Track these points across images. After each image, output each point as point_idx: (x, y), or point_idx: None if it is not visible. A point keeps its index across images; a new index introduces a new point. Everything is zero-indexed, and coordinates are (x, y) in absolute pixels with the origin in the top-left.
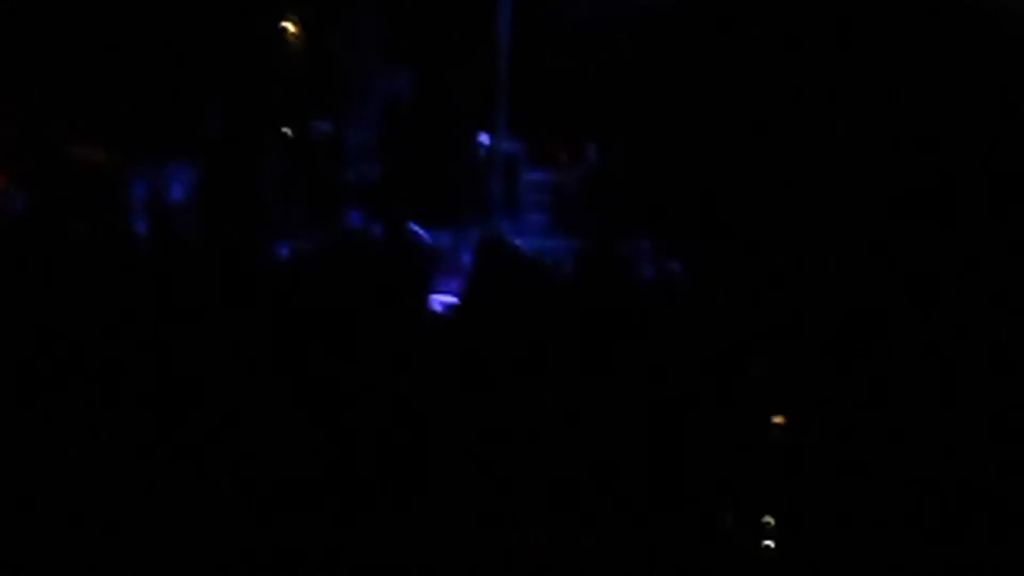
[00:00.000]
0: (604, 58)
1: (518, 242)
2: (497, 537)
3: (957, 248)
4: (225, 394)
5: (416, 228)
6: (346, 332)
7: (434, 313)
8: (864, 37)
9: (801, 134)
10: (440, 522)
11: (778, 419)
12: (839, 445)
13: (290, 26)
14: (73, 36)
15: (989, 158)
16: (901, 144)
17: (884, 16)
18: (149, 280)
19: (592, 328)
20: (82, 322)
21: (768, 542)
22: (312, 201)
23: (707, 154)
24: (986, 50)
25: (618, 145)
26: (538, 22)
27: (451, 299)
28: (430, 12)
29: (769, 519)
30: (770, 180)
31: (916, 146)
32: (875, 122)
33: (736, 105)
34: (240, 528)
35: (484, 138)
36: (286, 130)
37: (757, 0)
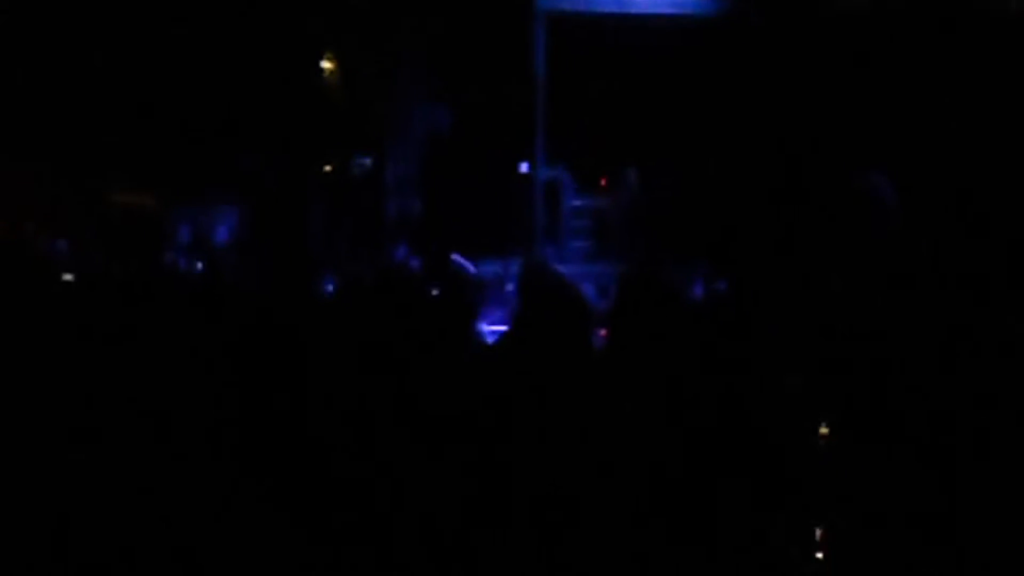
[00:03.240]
0: (643, 83)
1: (562, 268)
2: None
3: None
4: (277, 430)
5: (459, 259)
6: (396, 364)
7: (482, 342)
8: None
9: (841, 156)
10: (507, 555)
11: (823, 431)
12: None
13: (329, 64)
14: (117, 82)
15: None
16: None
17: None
18: (198, 320)
19: (640, 350)
20: (132, 365)
21: (818, 554)
22: (356, 236)
23: (746, 176)
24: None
25: (659, 170)
26: (577, 49)
27: (499, 327)
28: (467, 45)
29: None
30: (813, 200)
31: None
32: (920, 145)
33: (776, 128)
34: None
35: (525, 167)
36: (328, 167)
37: (801, 28)
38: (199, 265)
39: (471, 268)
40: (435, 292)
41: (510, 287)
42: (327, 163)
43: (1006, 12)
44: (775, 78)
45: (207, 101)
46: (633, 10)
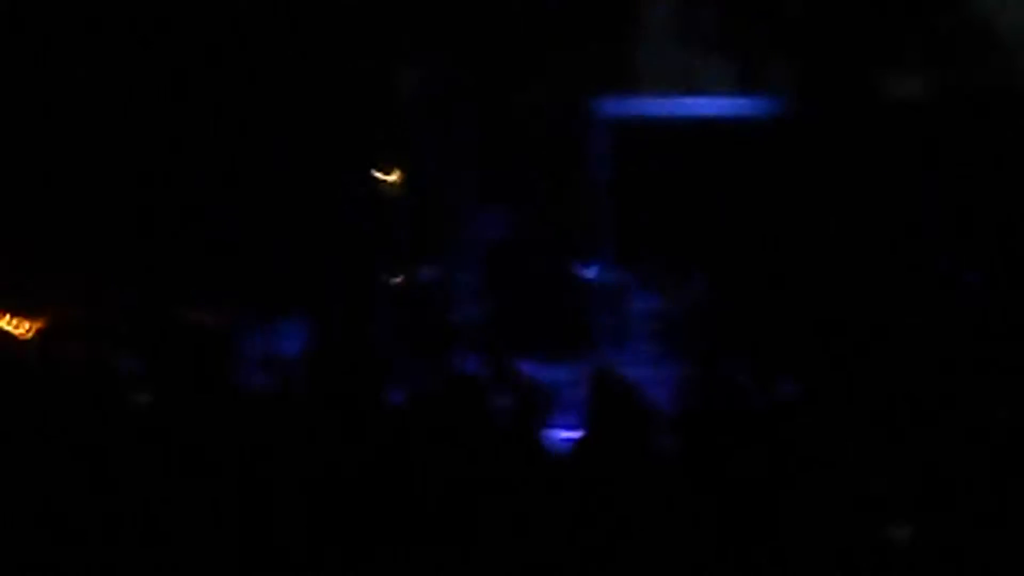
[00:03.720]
0: (707, 184)
1: (629, 372)
2: None
3: None
4: (347, 542)
5: (522, 366)
6: (466, 474)
7: (554, 450)
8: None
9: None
10: None
11: (901, 533)
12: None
13: (390, 176)
14: (181, 200)
15: None
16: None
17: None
18: (266, 435)
19: (706, 454)
20: (203, 479)
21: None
22: (423, 346)
23: (811, 277)
24: None
25: (724, 270)
26: (640, 153)
27: (572, 434)
28: (525, 149)
29: None
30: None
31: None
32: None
33: (841, 220)
34: None
35: (591, 270)
36: (395, 278)
37: (860, 119)
38: (270, 378)
39: (531, 374)
40: (503, 400)
41: (580, 392)
42: (395, 273)
43: None
44: (836, 173)
45: (270, 213)
46: (691, 112)
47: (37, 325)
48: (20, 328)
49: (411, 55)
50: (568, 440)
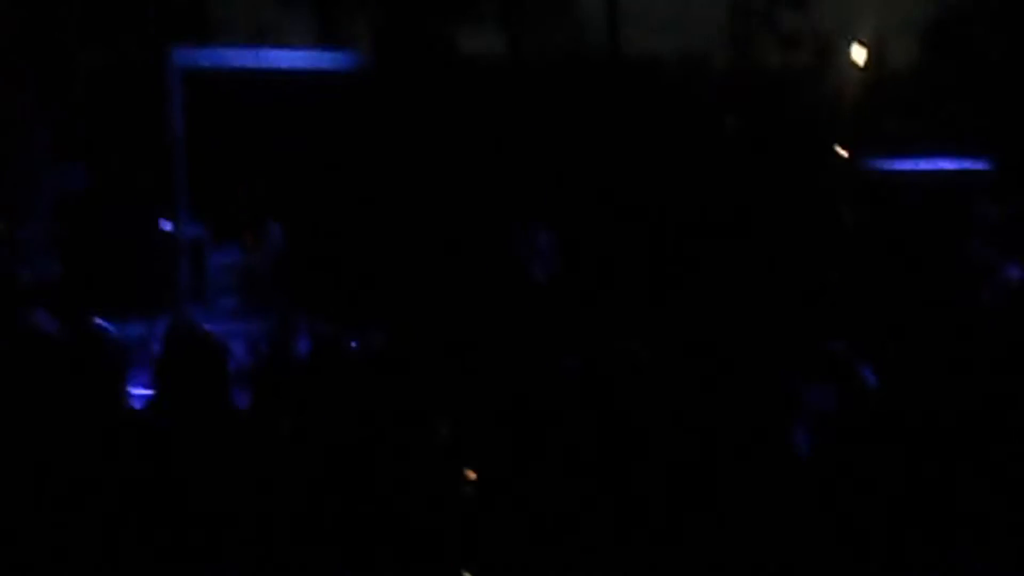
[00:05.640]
0: (281, 137)
1: (210, 327)
2: None
3: None
4: None
5: (101, 322)
6: (39, 431)
7: (131, 406)
8: None
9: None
10: None
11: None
12: None
13: None
14: None
15: None
16: None
17: None
18: None
19: (285, 407)
20: None
21: None
22: None
23: (386, 225)
24: None
25: (302, 223)
26: (215, 105)
27: (146, 391)
28: (103, 102)
29: None
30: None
31: None
32: None
33: (410, 176)
34: None
35: (167, 225)
36: None
37: (429, 76)
38: None
39: (112, 330)
40: (74, 355)
41: (156, 348)
42: None
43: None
44: (407, 126)
45: None
46: (268, 65)
47: None
48: None
49: None
50: (144, 396)
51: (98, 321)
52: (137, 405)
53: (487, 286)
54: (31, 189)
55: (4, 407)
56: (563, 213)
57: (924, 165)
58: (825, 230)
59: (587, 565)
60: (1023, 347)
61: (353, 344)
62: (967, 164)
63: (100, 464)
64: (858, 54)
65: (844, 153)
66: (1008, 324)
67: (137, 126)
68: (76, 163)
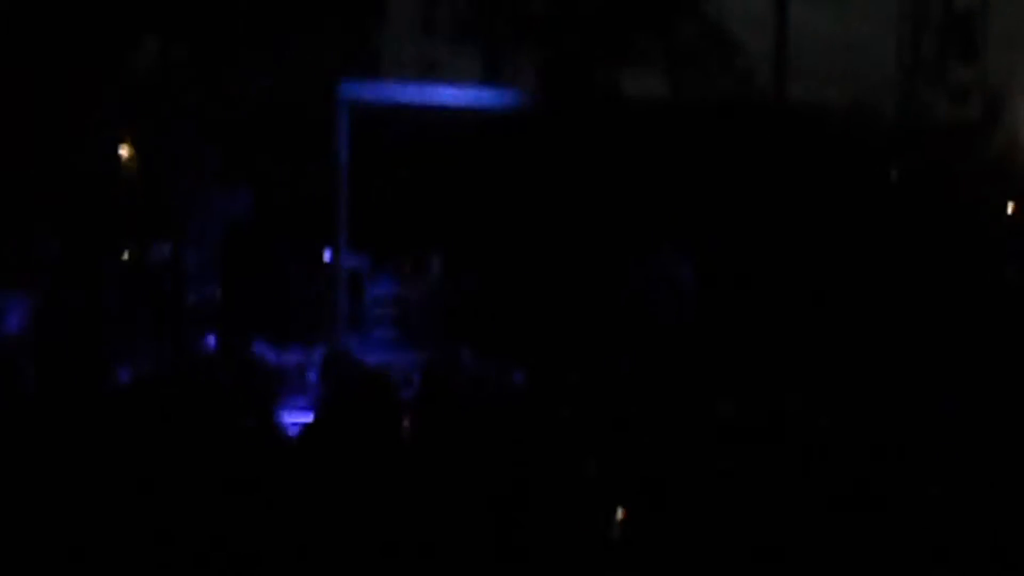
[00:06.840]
0: (445, 172)
1: (366, 357)
2: None
3: None
4: (72, 530)
5: (260, 348)
6: (191, 454)
7: (285, 432)
8: None
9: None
10: None
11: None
12: None
13: (125, 150)
14: None
15: None
16: None
17: None
18: None
19: (445, 438)
20: None
21: None
22: (154, 325)
23: (545, 269)
24: None
25: (462, 257)
26: (380, 139)
27: (302, 417)
28: (269, 131)
29: None
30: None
31: None
32: None
33: (576, 215)
34: None
35: (328, 255)
36: (124, 254)
37: (596, 115)
38: None
39: (272, 357)
40: (230, 381)
41: (312, 376)
42: (124, 250)
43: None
44: (572, 166)
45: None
46: (433, 100)
47: None
48: None
49: (145, 33)
50: (298, 424)
51: (256, 346)
52: (292, 431)
53: (638, 325)
54: (199, 214)
55: (161, 427)
56: (717, 255)
57: None
58: (988, 287)
59: None
60: None
61: (516, 378)
62: None
63: (246, 487)
64: None
65: (1013, 209)
66: None
67: (303, 156)
68: (243, 190)
